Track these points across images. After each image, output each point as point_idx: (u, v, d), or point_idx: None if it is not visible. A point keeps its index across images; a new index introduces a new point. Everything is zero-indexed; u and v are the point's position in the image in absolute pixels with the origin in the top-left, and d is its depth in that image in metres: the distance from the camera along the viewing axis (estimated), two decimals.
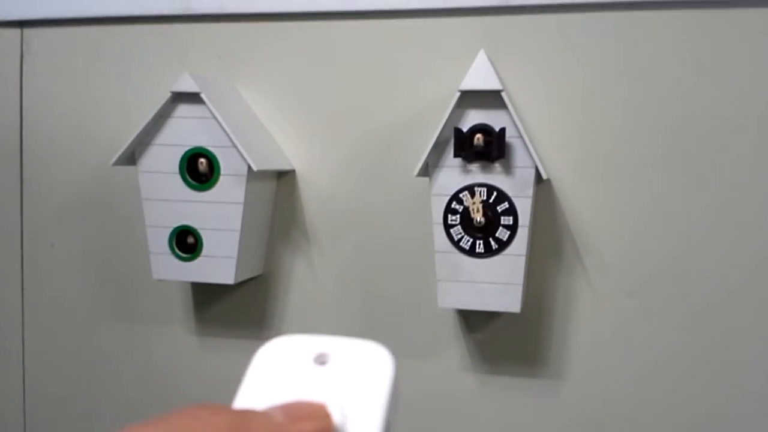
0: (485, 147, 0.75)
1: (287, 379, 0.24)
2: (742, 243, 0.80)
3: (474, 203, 0.76)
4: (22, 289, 1.02)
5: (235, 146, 0.80)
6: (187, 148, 0.83)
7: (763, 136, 0.79)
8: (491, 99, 0.75)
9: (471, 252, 0.77)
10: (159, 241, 0.85)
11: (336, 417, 0.22)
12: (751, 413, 0.81)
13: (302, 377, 0.24)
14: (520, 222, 0.76)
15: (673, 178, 0.81)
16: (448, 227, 0.77)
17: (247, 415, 0.21)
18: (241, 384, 0.24)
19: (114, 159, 0.84)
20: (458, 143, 0.75)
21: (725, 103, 0.79)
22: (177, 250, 0.84)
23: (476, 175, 0.76)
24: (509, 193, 0.76)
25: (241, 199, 0.82)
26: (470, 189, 0.76)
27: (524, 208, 0.76)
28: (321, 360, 0.24)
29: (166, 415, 0.20)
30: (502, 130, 0.74)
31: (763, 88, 0.78)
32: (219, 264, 0.84)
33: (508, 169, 0.75)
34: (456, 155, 0.75)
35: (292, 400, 0.22)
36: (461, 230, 0.77)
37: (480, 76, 0.75)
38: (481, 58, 0.78)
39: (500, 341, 0.87)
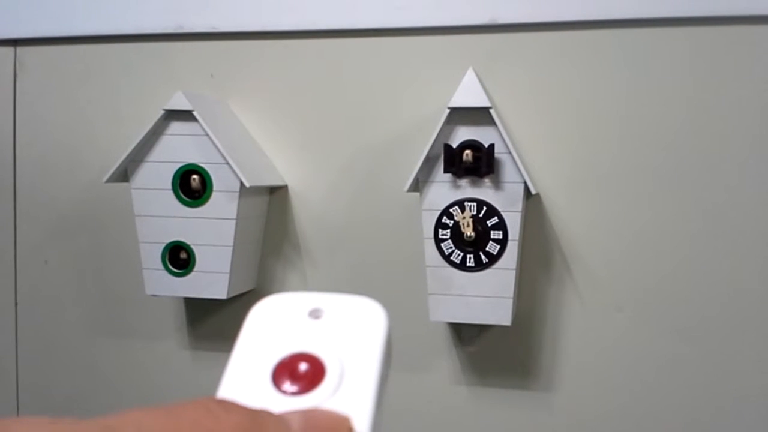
0: (474, 163, 0.76)
1: (282, 333, 0.24)
2: (731, 257, 0.81)
3: (464, 218, 0.76)
4: (16, 305, 1.02)
5: (227, 163, 0.81)
6: (179, 165, 0.83)
7: (754, 153, 0.80)
8: (480, 115, 0.76)
9: (462, 266, 0.78)
10: (152, 257, 0.85)
11: (332, 365, 0.22)
12: (740, 425, 0.82)
13: (298, 331, 0.24)
14: (510, 236, 0.77)
15: (662, 192, 0.82)
16: (438, 242, 0.78)
17: (262, 416, 0.20)
18: (237, 339, 0.24)
19: (107, 176, 0.84)
20: (448, 159, 0.76)
21: (717, 119, 0.80)
22: (170, 266, 0.85)
23: (466, 190, 0.77)
24: (499, 207, 0.76)
25: (234, 214, 0.83)
26: (460, 204, 0.77)
27: (514, 223, 0.76)
28: (315, 315, 0.24)
29: (176, 404, 0.19)
30: (491, 146, 0.75)
31: (755, 105, 0.79)
32: (212, 279, 0.84)
33: (497, 184, 0.76)
34: (446, 171, 0.76)
35: (314, 408, 0.21)
36: (452, 244, 0.78)
37: (469, 93, 0.76)
38: (470, 75, 0.79)
39: (491, 354, 0.88)
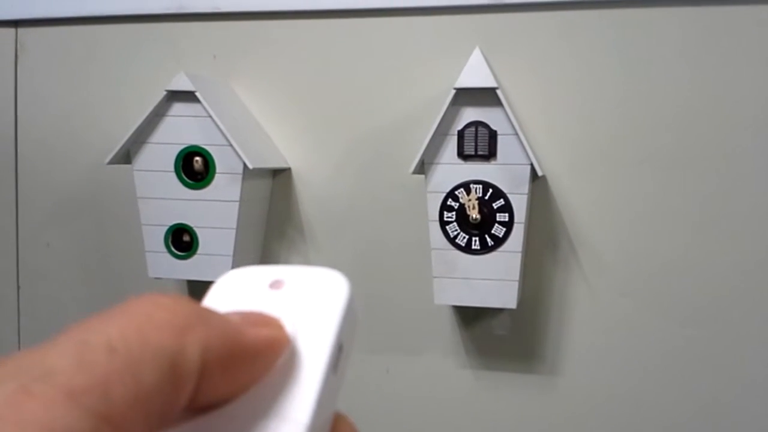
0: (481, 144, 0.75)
1: (240, 302, 0.24)
2: (738, 241, 0.80)
3: (470, 200, 0.76)
4: (18, 288, 1.02)
5: (230, 144, 0.80)
6: (182, 147, 0.83)
7: (761, 134, 0.79)
8: (487, 96, 0.75)
9: (467, 249, 0.77)
10: (155, 240, 0.85)
11: (289, 329, 0.22)
12: (746, 410, 0.81)
13: (255, 300, 0.24)
14: (516, 219, 0.76)
15: (670, 175, 0.81)
16: (444, 224, 0.77)
17: (207, 311, 0.21)
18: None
19: (109, 158, 0.84)
20: (461, 143, 0.75)
21: (722, 101, 0.79)
22: (173, 249, 0.84)
23: (472, 172, 0.76)
24: (505, 189, 0.76)
25: (237, 197, 0.82)
26: (466, 186, 0.76)
27: (520, 205, 0.76)
28: (276, 286, 0.24)
29: (122, 304, 0.20)
30: (498, 127, 0.74)
31: (761, 85, 0.78)
32: (215, 262, 0.84)
33: (503, 166, 0.76)
34: (459, 155, 0.76)
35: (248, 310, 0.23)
36: (457, 227, 0.77)
37: (475, 74, 0.76)
38: (477, 55, 0.78)
39: (496, 338, 0.87)
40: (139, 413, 0.17)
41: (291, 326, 0.22)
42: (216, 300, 0.25)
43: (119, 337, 0.18)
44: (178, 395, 0.19)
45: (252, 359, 0.21)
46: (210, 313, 0.21)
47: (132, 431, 0.17)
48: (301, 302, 0.23)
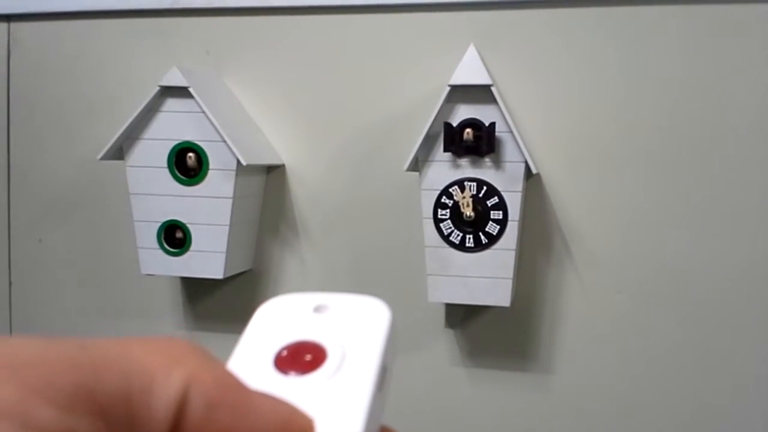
0: (475, 142, 0.75)
1: (286, 325, 0.24)
2: (732, 239, 0.80)
3: (464, 198, 0.75)
4: (10, 284, 1.02)
5: (223, 140, 0.79)
6: (175, 143, 0.82)
7: (757, 133, 0.79)
8: (481, 93, 0.74)
9: (461, 246, 0.77)
10: (147, 236, 0.84)
11: (336, 348, 0.23)
12: (740, 407, 0.81)
13: (301, 323, 0.24)
14: (510, 216, 0.76)
15: (664, 173, 0.81)
16: (438, 222, 0.77)
17: (219, 363, 0.21)
18: (242, 334, 0.25)
19: (101, 153, 0.83)
20: (448, 138, 0.75)
21: (718, 99, 0.79)
22: (165, 245, 0.84)
23: (466, 169, 0.76)
24: (499, 187, 0.76)
25: (230, 193, 0.82)
26: (460, 183, 0.76)
27: (514, 203, 0.76)
28: (320, 310, 0.25)
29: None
30: (492, 124, 0.74)
31: (758, 84, 0.78)
32: (208, 259, 0.83)
33: (497, 164, 0.75)
34: (446, 150, 0.75)
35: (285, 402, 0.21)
36: (451, 225, 0.77)
37: (470, 71, 0.75)
38: (471, 52, 0.78)
39: (490, 335, 0.87)
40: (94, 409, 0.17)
41: (339, 348, 0.23)
42: (260, 324, 0.25)
43: (92, 342, 0.18)
44: (149, 416, 0.18)
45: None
46: (217, 363, 0.20)
47: None
48: (347, 325, 0.24)
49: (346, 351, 0.23)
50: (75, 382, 0.17)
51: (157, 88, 0.81)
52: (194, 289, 0.95)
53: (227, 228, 0.82)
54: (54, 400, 0.16)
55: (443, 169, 0.76)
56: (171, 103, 0.82)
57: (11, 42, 0.99)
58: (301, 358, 0.23)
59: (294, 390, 0.22)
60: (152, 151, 0.83)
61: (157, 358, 0.19)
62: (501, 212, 0.76)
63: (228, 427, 0.19)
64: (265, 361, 0.23)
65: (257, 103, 0.91)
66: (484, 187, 0.76)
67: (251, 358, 0.23)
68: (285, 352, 0.23)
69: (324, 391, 0.22)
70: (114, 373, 0.18)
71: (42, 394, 0.16)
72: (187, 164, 0.82)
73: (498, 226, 0.76)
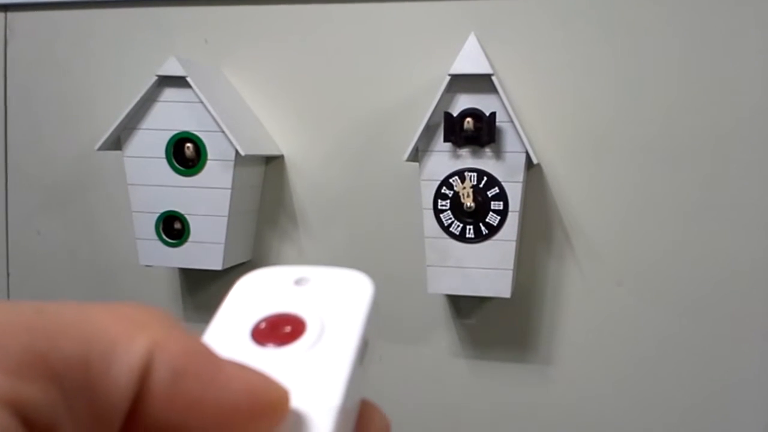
0: (475, 131, 0.74)
1: (265, 297, 0.24)
2: (732, 230, 0.80)
3: (464, 188, 0.75)
4: (8, 275, 1.01)
5: (222, 131, 0.79)
6: (173, 133, 0.82)
7: (757, 123, 0.78)
8: (481, 83, 0.74)
9: (461, 237, 0.76)
10: (146, 227, 0.84)
11: (316, 320, 0.23)
12: (740, 400, 0.81)
13: (281, 295, 0.24)
14: (511, 207, 0.75)
15: (665, 164, 0.81)
16: (438, 212, 0.77)
17: (182, 330, 0.19)
18: (221, 305, 0.24)
19: (99, 144, 0.82)
20: (448, 128, 0.74)
21: (718, 89, 0.79)
22: (164, 236, 0.84)
23: (466, 159, 0.75)
24: (499, 178, 0.75)
25: (229, 184, 0.81)
26: (460, 174, 0.76)
27: (514, 193, 0.75)
28: (300, 282, 0.25)
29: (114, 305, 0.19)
30: (493, 114, 0.73)
31: (756, 74, 0.78)
32: (207, 250, 0.83)
33: (498, 154, 0.75)
34: (446, 140, 0.75)
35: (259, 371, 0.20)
36: (451, 215, 0.76)
37: (470, 60, 0.75)
38: (472, 41, 0.77)
39: (490, 326, 0.87)
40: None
41: (318, 321, 0.23)
42: (238, 296, 0.25)
43: (51, 305, 0.17)
44: (109, 380, 0.17)
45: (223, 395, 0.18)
46: (185, 331, 0.19)
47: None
48: (328, 298, 0.24)
49: (326, 323, 0.23)
50: (26, 346, 0.16)
51: (155, 78, 0.81)
52: (193, 280, 0.95)
53: (226, 219, 0.82)
54: (1, 364, 0.15)
55: (443, 160, 0.76)
56: (169, 93, 0.82)
57: (8, 32, 0.98)
58: (280, 330, 0.23)
59: (271, 361, 0.21)
60: (150, 141, 0.82)
61: (120, 323, 0.18)
62: (501, 203, 0.75)
63: (196, 397, 0.18)
64: (242, 333, 0.23)
65: (256, 93, 0.90)
66: (485, 178, 0.75)
67: (228, 330, 0.23)
68: (263, 324, 0.23)
69: (302, 363, 0.21)
70: (71, 338, 0.17)
71: None
72: (186, 154, 0.82)
73: (498, 217, 0.75)
